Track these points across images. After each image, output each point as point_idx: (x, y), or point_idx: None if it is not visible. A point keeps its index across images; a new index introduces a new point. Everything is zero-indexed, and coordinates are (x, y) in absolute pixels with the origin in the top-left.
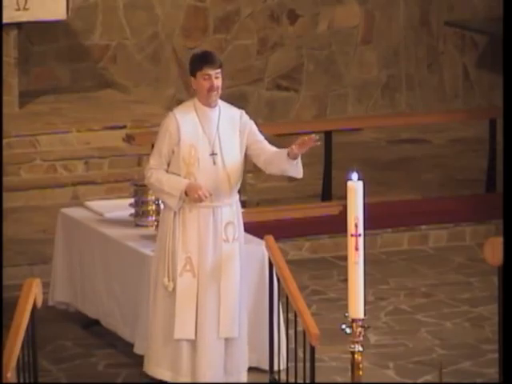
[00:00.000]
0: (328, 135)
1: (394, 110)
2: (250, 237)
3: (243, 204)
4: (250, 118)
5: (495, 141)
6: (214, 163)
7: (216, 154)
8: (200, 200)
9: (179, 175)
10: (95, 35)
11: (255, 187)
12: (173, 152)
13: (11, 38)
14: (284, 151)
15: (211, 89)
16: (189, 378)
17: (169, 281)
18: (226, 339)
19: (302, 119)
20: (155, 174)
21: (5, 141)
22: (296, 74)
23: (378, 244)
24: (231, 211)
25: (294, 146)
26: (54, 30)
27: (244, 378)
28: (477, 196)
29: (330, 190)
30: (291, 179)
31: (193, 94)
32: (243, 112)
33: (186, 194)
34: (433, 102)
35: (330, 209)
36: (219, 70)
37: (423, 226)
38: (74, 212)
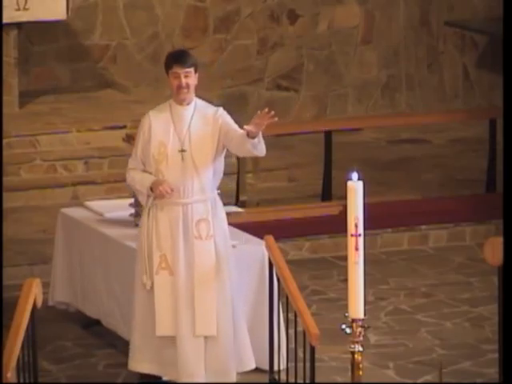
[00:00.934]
0: (328, 135)
1: (394, 110)
2: (249, 237)
3: (243, 204)
4: (250, 117)
5: (495, 141)
6: (183, 160)
7: (185, 151)
8: (162, 196)
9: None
10: (95, 35)
11: (255, 187)
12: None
13: (11, 38)
14: (244, 132)
15: (180, 87)
16: (175, 370)
17: (147, 278)
18: (208, 338)
19: (302, 119)
20: (131, 173)
21: (5, 141)
22: (296, 74)
23: (378, 244)
24: (204, 208)
25: (250, 126)
26: (54, 30)
27: (233, 378)
28: (477, 196)
29: (330, 190)
30: (291, 179)
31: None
32: (220, 109)
33: (152, 190)
34: (433, 102)
35: (330, 209)
36: (190, 69)
37: (423, 226)
38: (74, 212)
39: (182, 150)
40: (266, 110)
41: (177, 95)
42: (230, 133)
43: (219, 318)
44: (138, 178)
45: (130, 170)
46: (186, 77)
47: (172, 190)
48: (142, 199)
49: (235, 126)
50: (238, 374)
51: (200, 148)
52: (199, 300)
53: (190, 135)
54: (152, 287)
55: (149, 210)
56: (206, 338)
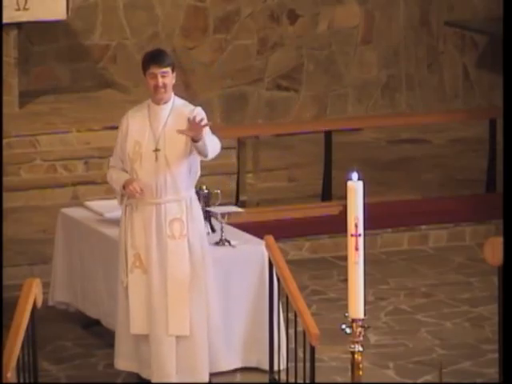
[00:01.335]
0: (328, 135)
1: (394, 110)
2: (249, 237)
3: (243, 204)
4: (250, 118)
5: (495, 141)
6: (157, 159)
7: (159, 150)
8: (132, 195)
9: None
10: (95, 35)
11: (255, 187)
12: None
13: (11, 38)
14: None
15: (156, 87)
16: (147, 372)
17: (124, 276)
18: (181, 338)
19: (302, 119)
20: (110, 171)
21: (5, 141)
22: (296, 74)
23: (378, 244)
24: (178, 208)
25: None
26: (54, 30)
27: (206, 379)
28: (477, 196)
29: (330, 190)
30: (291, 179)
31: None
32: (198, 108)
33: (125, 188)
34: (433, 102)
35: (330, 209)
36: (166, 70)
37: (423, 226)
38: (74, 212)
39: (156, 150)
40: (196, 118)
41: (154, 95)
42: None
43: (193, 318)
44: (115, 177)
45: (110, 168)
46: (162, 77)
47: (142, 190)
48: (118, 198)
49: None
50: (212, 374)
51: (174, 147)
52: (172, 299)
53: (165, 135)
54: (127, 285)
55: (125, 208)
56: (178, 337)
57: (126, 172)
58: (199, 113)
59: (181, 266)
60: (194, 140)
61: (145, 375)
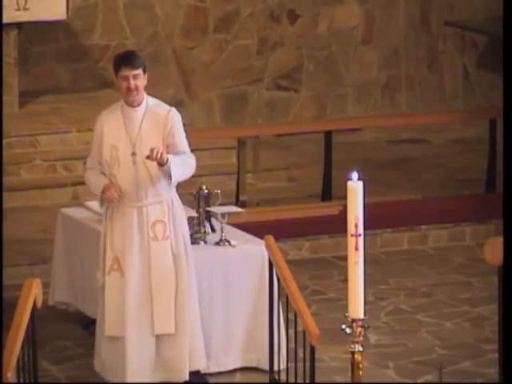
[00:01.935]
0: (328, 135)
1: (393, 110)
2: (249, 237)
3: (243, 204)
4: (250, 118)
5: (495, 141)
6: (134, 163)
7: (136, 155)
8: (111, 201)
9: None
10: (95, 35)
11: (255, 187)
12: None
13: (11, 38)
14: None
15: (129, 89)
16: (120, 373)
17: (101, 277)
18: (163, 337)
19: (302, 119)
20: (87, 174)
21: (5, 141)
22: (296, 74)
23: (378, 244)
24: (161, 209)
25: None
26: (54, 30)
27: (186, 377)
28: (477, 196)
29: (330, 190)
30: (291, 179)
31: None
32: (172, 110)
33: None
34: (433, 102)
35: (330, 209)
36: (138, 72)
37: (423, 226)
38: (74, 212)
39: (134, 154)
40: (154, 151)
41: (127, 97)
42: (169, 148)
43: (177, 316)
44: (93, 181)
45: (88, 170)
46: (134, 79)
47: (120, 195)
48: (98, 201)
49: (179, 140)
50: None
51: None
52: (157, 300)
53: (141, 138)
54: (103, 286)
55: (106, 210)
56: (161, 336)
57: (104, 174)
58: (173, 117)
59: (164, 267)
60: (159, 164)
61: (108, 379)
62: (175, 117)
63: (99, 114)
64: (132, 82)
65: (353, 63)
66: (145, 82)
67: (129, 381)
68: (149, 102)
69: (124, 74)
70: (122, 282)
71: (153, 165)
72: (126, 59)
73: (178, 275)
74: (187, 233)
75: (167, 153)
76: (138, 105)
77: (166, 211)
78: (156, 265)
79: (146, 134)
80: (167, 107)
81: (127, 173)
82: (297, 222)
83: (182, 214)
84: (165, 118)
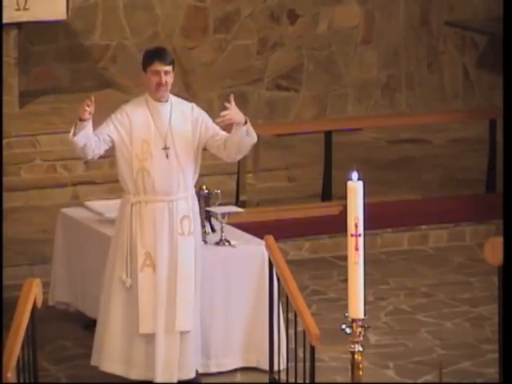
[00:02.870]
0: (328, 135)
1: (393, 110)
2: (249, 237)
3: (243, 204)
4: (250, 118)
5: (495, 141)
6: (167, 157)
7: (169, 148)
8: (84, 111)
9: (125, 171)
10: (95, 35)
11: (255, 187)
12: (111, 141)
13: (11, 38)
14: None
15: (159, 84)
16: (142, 370)
17: (127, 276)
18: (181, 334)
19: (302, 119)
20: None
21: (5, 141)
22: (296, 74)
23: (378, 244)
24: (187, 205)
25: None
26: (54, 30)
27: (193, 373)
28: (477, 196)
29: (330, 190)
30: (291, 179)
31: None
32: (194, 105)
33: (80, 119)
34: (433, 102)
35: (330, 209)
36: (169, 68)
37: (423, 226)
38: (74, 212)
39: (166, 148)
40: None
41: (155, 92)
42: (214, 137)
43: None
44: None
45: None
46: (165, 74)
47: (91, 102)
48: (72, 129)
49: (216, 129)
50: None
51: (184, 146)
52: (181, 296)
53: (172, 133)
54: (132, 285)
55: (131, 207)
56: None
57: (123, 171)
58: (199, 112)
59: (189, 262)
60: (239, 123)
61: (133, 376)
62: (199, 111)
63: (120, 109)
64: (163, 78)
65: (353, 63)
66: (172, 80)
67: (158, 380)
68: (172, 99)
69: (156, 68)
70: (154, 278)
71: (185, 159)
72: (160, 54)
73: (195, 272)
74: (200, 231)
75: (201, 147)
76: (166, 100)
77: (191, 206)
78: (182, 260)
79: (176, 128)
80: (188, 103)
81: (160, 167)
82: (297, 222)
83: (198, 210)
84: (191, 112)
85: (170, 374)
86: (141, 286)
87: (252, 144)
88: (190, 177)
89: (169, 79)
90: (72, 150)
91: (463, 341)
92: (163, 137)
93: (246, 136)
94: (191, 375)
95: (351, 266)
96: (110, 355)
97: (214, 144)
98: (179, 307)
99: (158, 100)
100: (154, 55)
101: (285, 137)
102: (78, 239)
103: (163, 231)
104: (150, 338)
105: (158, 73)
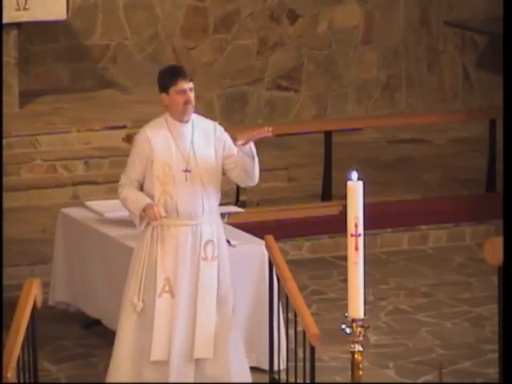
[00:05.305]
0: (328, 135)
1: (393, 110)
2: (249, 237)
3: (243, 204)
4: (250, 118)
5: (495, 141)
6: (186, 180)
7: (190, 171)
8: (155, 218)
9: (153, 194)
10: (95, 35)
11: (255, 187)
12: (145, 170)
13: (11, 38)
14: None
15: (187, 102)
16: None
17: (138, 300)
18: (205, 360)
19: (302, 119)
20: (124, 191)
21: (5, 141)
22: (296, 74)
23: (378, 244)
24: (211, 229)
25: (242, 141)
26: (54, 30)
27: None
28: (477, 196)
29: (330, 190)
30: (291, 179)
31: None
32: (216, 124)
33: (145, 211)
34: (433, 102)
35: (330, 209)
36: (192, 84)
37: (423, 226)
38: (74, 212)
39: (187, 170)
40: (266, 128)
41: (183, 112)
42: (230, 158)
43: (220, 340)
44: (131, 198)
45: (122, 186)
46: (190, 91)
47: (165, 215)
48: (135, 220)
49: (234, 150)
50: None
51: (207, 167)
52: (200, 322)
53: (195, 154)
54: (145, 310)
55: (152, 230)
56: (203, 360)
57: (143, 193)
58: (222, 132)
59: (211, 288)
60: (243, 144)
61: None
62: (222, 130)
63: (141, 131)
64: (190, 95)
65: (353, 63)
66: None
67: None
68: (193, 117)
69: (182, 87)
70: (172, 304)
71: (209, 182)
72: (181, 72)
73: (223, 297)
74: (227, 255)
75: (229, 163)
76: (188, 120)
77: (215, 231)
78: (203, 285)
79: (198, 148)
80: (210, 121)
81: (183, 190)
82: (297, 222)
83: (223, 233)
84: (213, 131)
85: None
86: (158, 313)
87: (256, 168)
88: (213, 199)
89: (193, 97)
90: (72, 150)
91: (463, 341)
92: (185, 159)
93: (251, 160)
94: None
95: (351, 265)
96: (116, 378)
97: (228, 166)
98: (198, 334)
99: (182, 120)
100: (176, 74)
101: (285, 137)
102: (78, 239)
103: (185, 256)
104: (160, 366)
105: (184, 91)
